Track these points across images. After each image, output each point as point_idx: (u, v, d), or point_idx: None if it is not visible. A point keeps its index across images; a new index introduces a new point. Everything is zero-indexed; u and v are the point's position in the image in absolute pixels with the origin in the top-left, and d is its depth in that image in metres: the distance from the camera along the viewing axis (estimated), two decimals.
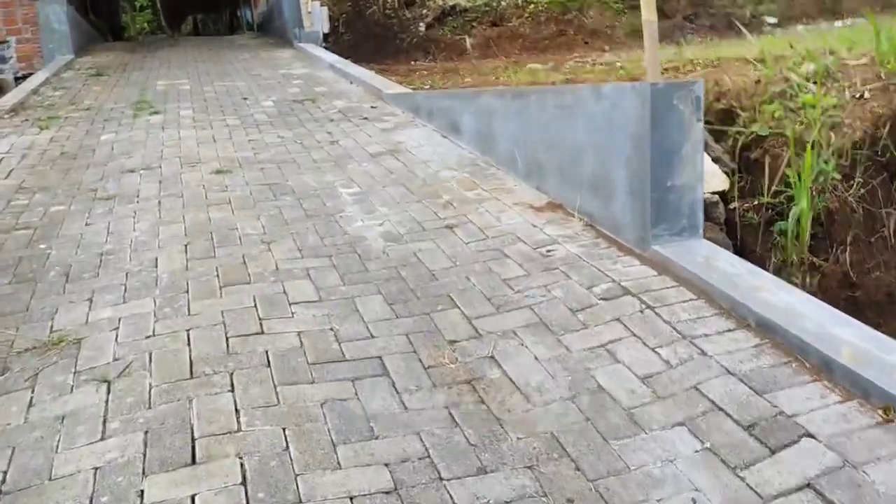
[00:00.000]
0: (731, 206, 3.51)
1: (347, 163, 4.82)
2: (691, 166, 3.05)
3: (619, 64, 7.27)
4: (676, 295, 2.79)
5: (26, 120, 6.55)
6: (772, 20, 12.17)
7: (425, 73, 9.66)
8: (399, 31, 11.40)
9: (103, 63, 10.31)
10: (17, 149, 5.54)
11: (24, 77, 10.14)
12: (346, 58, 10.34)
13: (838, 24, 11.93)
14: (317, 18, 11.11)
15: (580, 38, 11.71)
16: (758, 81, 3.77)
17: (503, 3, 11.81)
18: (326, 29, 11.18)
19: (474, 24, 11.64)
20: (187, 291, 3.03)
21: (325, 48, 10.85)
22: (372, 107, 6.43)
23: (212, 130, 5.84)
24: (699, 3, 12.27)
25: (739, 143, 3.57)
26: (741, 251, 3.41)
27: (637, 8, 12.09)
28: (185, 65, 10.30)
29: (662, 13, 11.81)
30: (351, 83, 7.70)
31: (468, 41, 11.47)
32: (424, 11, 11.55)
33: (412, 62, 11.11)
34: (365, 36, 11.28)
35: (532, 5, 11.84)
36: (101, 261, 3.40)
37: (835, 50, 5.94)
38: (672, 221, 3.07)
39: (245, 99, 7.18)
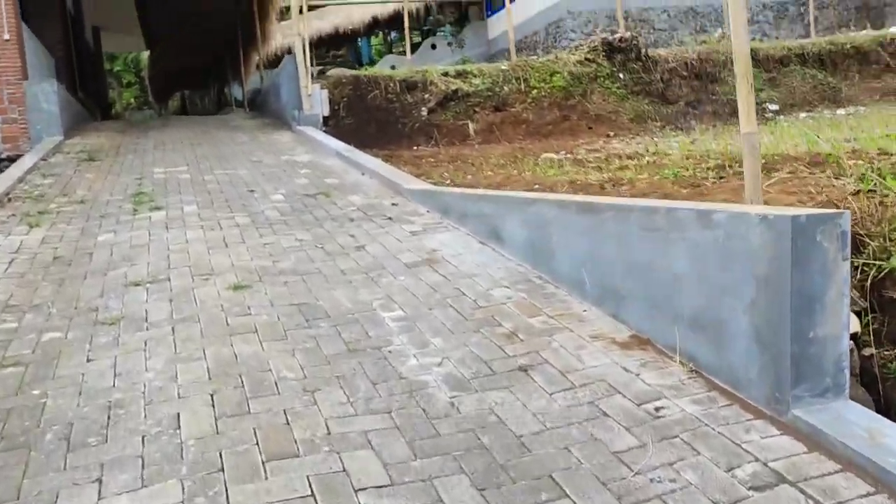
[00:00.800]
0: (866, 352, 2.99)
1: (381, 275, 4.23)
2: (836, 314, 2.50)
3: (646, 158, 6.82)
4: (847, 485, 2.20)
5: (13, 215, 5.92)
6: (773, 107, 11.96)
7: (432, 160, 9.19)
8: (401, 115, 10.99)
9: (94, 145, 9.74)
10: (3, 252, 4.90)
11: (10, 159, 9.53)
12: (348, 142, 9.87)
13: (841, 111, 11.72)
14: (317, 101, 10.68)
15: (584, 123, 11.37)
16: (881, 202, 3.32)
17: (505, 89, 11.48)
18: (327, 112, 10.74)
19: (477, 108, 11.28)
20: (222, 469, 2.38)
21: (326, 132, 10.39)
22: (393, 204, 5.89)
23: (221, 231, 5.24)
24: (701, 90, 12.04)
25: (870, 277, 3.07)
26: (885, 411, 2.86)
27: (639, 93, 11.83)
28: (180, 147, 9.76)
29: (665, 99, 11.58)
30: (363, 174, 7.18)
31: (471, 126, 11.08)
32: (426, 96, 11.17)
33: (415, 147, 10.68)
34: (366, 120, 10.85)
35: (535, 90, 11.52)
36: (109, 416, 2.75)
37: None
38: (814, 380, 2.49)
39: (251, 191, 6.61)
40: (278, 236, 5.13)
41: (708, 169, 5.38)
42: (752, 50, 12.07)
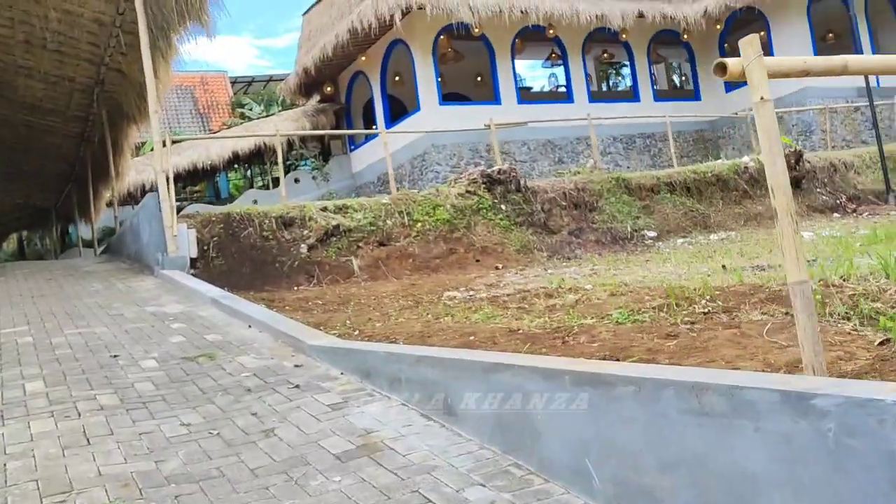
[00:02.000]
0: None
1: (306, 475, 3.16)
2: None
3: (568, 296, 6.14)
4: None
5: None
6: (651, 234, 11.91)
7: (319, 302, 8.19)
8: (278, 254, 9.98)
9: None
10: None
11: None
12: (220, 286, 8.73)
13: (714, 237, 11.80)
14: (183, 242, 9.51)
15: (471, 255, 10.79)
16: None
17: (389, 223, 10.77)
18: (195, 253, 9.57)
19: (360, 244, 10.46)
20: None
21: (195, 275, 9.19)
22: (296, 366, 4.83)
23: (80, 419, 3.98)
24: (581, 219, 11.84)
25: None
26: None
27: (522, 224, 11.42)
28: (18, 300, 8.25)
29: (548, 229, 11.24)
30: (250, 327, 6.07)
31: (355, 262, 10.21)
32: (305, 232, 10.26)
33: (295, 287, 9.65)
34: (240, 260, 9.75)
35: (419, 223, 10.89)
36: None
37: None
38: None
39: (115, 357, 5.34)
40: (158, 420, 3.94)
41: (656, 310, 4.73)
42: (625, 179, 12.07)
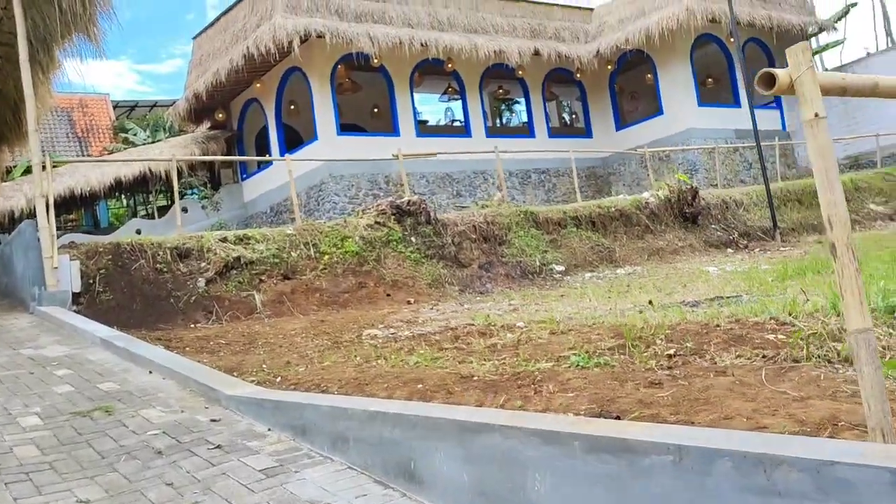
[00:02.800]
0: None
1: None
2: None
3: (507, 335, 5.69)
4: None
5: None
6: (560, 268, 11.72)
7: (222, 342, 7.41)
8: (173, 288, 9.08)
9: None
10: None
11: None
12: (109, 324, 7.82)
13: (620, 271, 11.74)
14: (65, 275, 8.49)
15: (381, 290, 10.22)
16: None
17: (294, 255, 10.07)
18: (78, 287, 8.56)
19: (263, 277, 9.70)
20: None
21: (78, 312, 8.20)
22: (212, 420, 4.12)
23: None
24: (491, 252, 11.51)
25: None
26: None
27: (433, 257, 10.97)
28: None
29: (459, 263, 10.84)
30: (150, 373, 5.28)
31: (257, 297, 9.44)
32: (203, 264, 9.41)
33: (192, 324, 8.78)
34: (130, 295, 8.79)
35: (326, 256, 10.24)
36: None
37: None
38: None
39: None
40: (46, 497, 3.17)
41: (613, 351, 4.35)
42: (533, 213, 11.84)
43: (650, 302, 7.13)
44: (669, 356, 3.97)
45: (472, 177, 21.30)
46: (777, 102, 23.60)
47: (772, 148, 22.29)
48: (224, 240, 9.84)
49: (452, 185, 21.03)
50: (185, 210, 21.21)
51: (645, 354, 4.15)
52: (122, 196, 24.66)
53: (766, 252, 12.97)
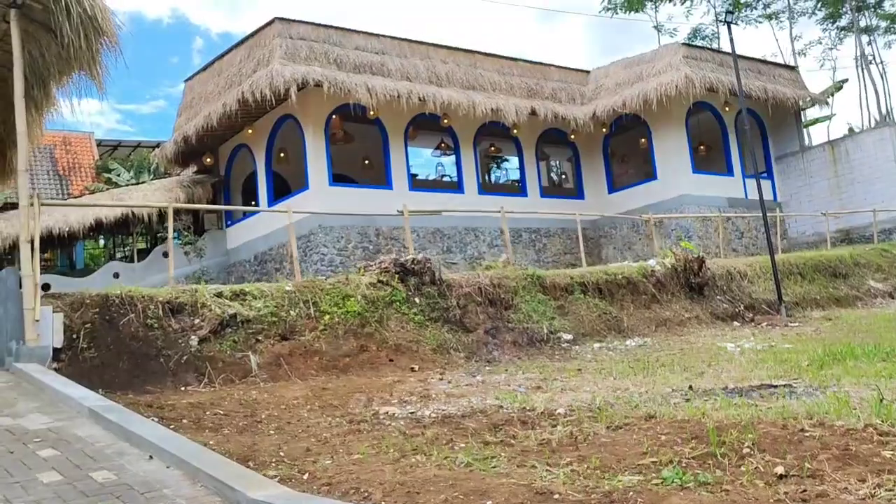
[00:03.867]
0: None
1: None
2: None
3: (552, 425, 5.07)
4: None
5: None
6: (568, 337, 11.16)
7: (220, 412, 6.70)
8: (164, 346, 8.35)
9: None
10: None
11: None
12: (92, 385, 7.10)
13: (630, 342, 11.23)
14: (46, 328, 7.74)
15: (384, 354, 9.57)
16: None
17: (293, 313, 9.40)
18: (59, 343, 7.80)
19: (260, 337, 9.00)
20: None
21: (58, 371, 7.44)
22: None
23: None
24: (497, 317, 10.93)
25: None
26: None
27: (437, 320, 10.36)
28: None
29: (464, 327, 10.25)
30: (151, 458, 4.57)
31: (253, 359, 8.73)
32: (197, 321, 8.70)
33: (183, 387, 8.05)
34: (117, 353, 8.03)
35: (327, 315, 9.58)
36: None
37: None
38: None
39: None
40: None
41: (698, 462, 3.76)
42: (539, 277, 11.30)
43: (690, 387, 6.58)
44: (779, 477, 3.39)
45: (462, 233, 20.83)
46: (769, 173, 23.59)
47: (758, 219, 22.17)
48: (220, 295, 9.15)
49: (443, 240, 20.52)
50: (166, 255, 20.44)
51: (745, 470, 3.56)
52: (101, 237, 23.78)
53: (775, 327, 12.53)
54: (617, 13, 32.35)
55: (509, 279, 11.47)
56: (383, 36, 20.24)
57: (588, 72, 23.70)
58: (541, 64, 22.82)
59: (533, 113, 21.11)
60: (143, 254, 21.46)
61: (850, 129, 28.28)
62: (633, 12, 32.33)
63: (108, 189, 22.53)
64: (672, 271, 13.26)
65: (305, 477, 4.13)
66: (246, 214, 20.97)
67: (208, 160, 21.31)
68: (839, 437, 4.02)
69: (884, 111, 27.32)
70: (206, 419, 6.28)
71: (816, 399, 5.40)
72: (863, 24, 33.27)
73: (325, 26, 19.34)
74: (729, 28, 15.21)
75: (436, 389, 7.71)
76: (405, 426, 5.50)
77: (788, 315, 13.80)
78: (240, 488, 3.77)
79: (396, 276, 10.54)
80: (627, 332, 11.73)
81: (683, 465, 3.71)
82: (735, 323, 13.10)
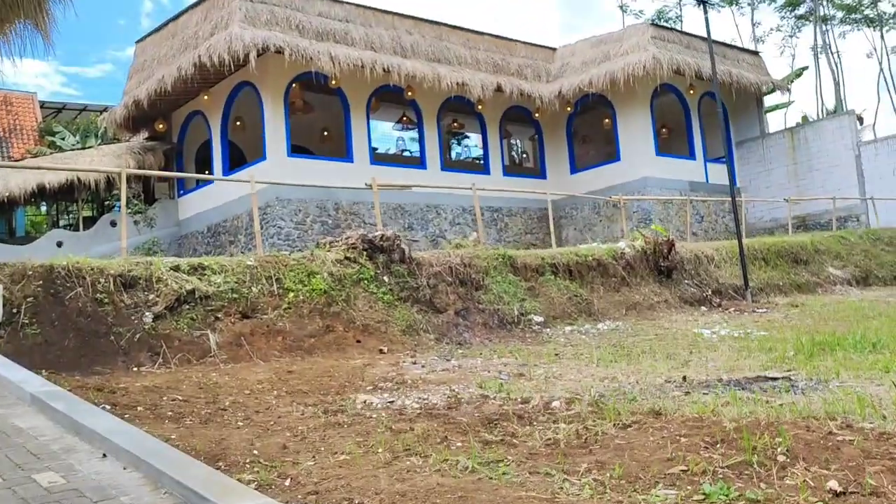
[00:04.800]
0: None
1: None
2: None
3: (551, 419, 4.62)
4: None
5: None
6: (539, 319, 10.78)
7: (179, 397, 6.10)
8: (115, 323, 7.66)
9: None
10: None
11: None
12: (35, 365, 6.44)
13: (601, 326, 10.91)
14: None
15: (351, 335, 9.02)
16: None
17: (254, 290, 8.77)
18: (0, 318, 7.08)
19: (219, 315, 8.37)
20: None
21: None
22: None
23: None
24: (467, 298, 10.47)
25: None
26: None
27: (406, 300, 9.84)
28: None
29: (434, 307, 9.79)
30: (104, 456, 3.98)
31: (212, 338, 8.10)
32: (152, 297, 8.02)
33: (136, 367, 7.40)
34: (62, 330, 7.33)
35: (291, 293, 8.98)
36: None
37: None
38: None
39: None
40: None
41: (734, 471, 3.35)
42: (511, 257, 10.88)
43: (684, 378, 6.22)
44: (836, 494, 2.99)
45: (424, 210, 20.30)
46: (730, 157, 23.51)
47: (722, 203, 22.13)
48: (176, 268, 8.47)
49: (405, 217, 19.95)
50: (114, 224, 19.45)
51: (794, 484, 3.15)
52: (43, 203, 22.57)
53: (743, 313, 12.35)
54: None
55: (480, 259, 11.01)
56: (347, 3, 19.43)
57: (554, 49, 23.24)
58: (507, 39, 22.27)
59: (499, 89, 20.59)
60: (89, 222, 20.37)
61: (804, 118, 28.48)
62: None
63: (52, 153, 21.32)
64: (642, 254, 12.96)
65: (287, 483, 3.60)
66: (199, 184, 20.06)
67: (160, 126, 20.28)
68: (876, 443, 3.65)
69: (838, 100, 27.53)
70: (165, 406, 5.68)
71: (824, 395, 5.07)
72: (821, 13, 33.54)
73: None
74: (704, 8, 14.87)
75: (410, 374, 7.22)
76: (388, 419, 4.99)
77: (754, 300, 13.66)
78: (214, 498, 3.22)
79: (364, 253, 9.98)
80: (598, 316, 11.40)
81: (719, 475, 3.29)
82: (703, 308, 12.89)
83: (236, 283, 8.75)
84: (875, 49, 34.95)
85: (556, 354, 8.37)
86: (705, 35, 23.00)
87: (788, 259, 15.75)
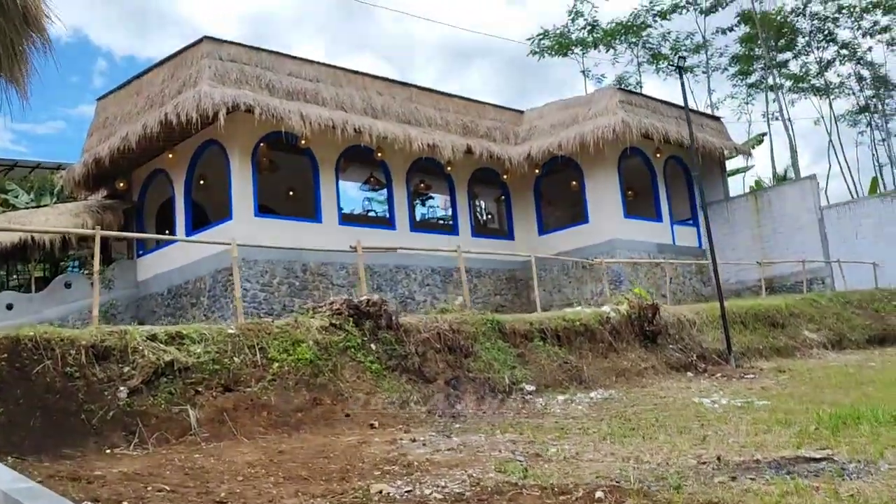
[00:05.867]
0: None
1: None
2: None
3: None
4: None
5: None
6: (530, 388, 10.31)
7: (165, 488, 5.42)
8: (86, 399, 6.94)
9: None
10: None
11: None
12: None
13: (594, 395, 10.49)
14: None
15: (339, 408, 8.41)
16: None
17: (237, 360, 8.14)
18: None
19: (200, 388, 7.70)
20: None
21: None
22: None
23: None
24: (457, 366, 9.96)
25: None
26: None
27: (395, 368, 9.27)
28: None
29: (423, 377, 9.27)
30: None
31: (192, 414, 7.42)
32: (127, 369, 7.33)
33: (109, 450, 6.68)
34: (28, 409, 6.58)
35: (276, 363, 8.36)
36: None
37: None
38: None
39: None
40: None
41: None
42: (500, 322, 10.44)
43: (718, 458, 5.79)
44: None
45: (393, 271, 19.80)
46: (694, 220, 23.71)
47: (689, 265, 22.17)
48: (153, 338, 7.80)
49: (373, 278, 19.38)
50: (68, 285, 18.50)
51: None
52: None
53: (731, 379, 12.07)
54: (544, 57, 32.47)
55: (468, 324, 10.55)
56: (318, 63, 19.23)
57: (522, 112, 23.34)
58: (476, 102, 22.28)
59: (469, 151, 20.47)
60: (41, 283, 19.34)
61: (758, 182, 29.01)
62: (562, 56, 32.53)
63: (4, 211, 20.33)
64: (627, 319, 12.66)
65: None
66: (159, 244, 19.25)
67: (122, 184, 19.55)
68: None
69: (795, 166, 28.20)
70: (152, 499, 5.01)
71: (886, 481, 4.69)
72: (771, 81, 34.66)
73: (257, 49, 18.16)
74: (681, 74, 14.98)
75: (414, 455, 6.64)
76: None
77: (737, 365, 13.42)
78: None
79: (350, 318, 9.43)
80: (589, 383, 10.97)
81: None
82: (689, 373, 12.58)
83: (217, 353, 8.10)
84: (822, 117, 36.10)
85: (562, 429, 7.88)
86: (667, 100, 23.47)
87: (766, 322, 15.64)
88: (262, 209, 18.70)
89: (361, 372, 9.00)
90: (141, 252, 20.14)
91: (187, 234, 18.39)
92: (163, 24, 73.03)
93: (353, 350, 9.16)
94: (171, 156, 18.60)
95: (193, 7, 74.99)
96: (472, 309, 11.63)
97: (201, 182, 19.38)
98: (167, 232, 19.95)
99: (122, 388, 7.17)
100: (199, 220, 19.50)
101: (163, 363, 7.53)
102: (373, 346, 9.39)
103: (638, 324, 12.72)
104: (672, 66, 34.23)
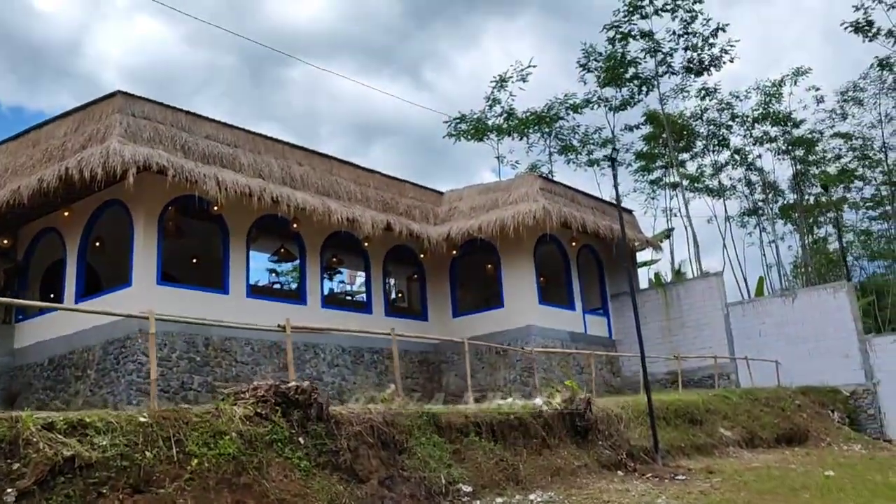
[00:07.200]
0: None
1: None
2: None
3: None
4: None
5: None
6: (467, 489, 9.51)
7: None
8: None
9: None
10: None
11: None
12: None
13: (533, 497, 9.82)
14: None
15: None
16: None
17: (149, 455, 6.98)
18: None
19: (104, 490, 6.49)
20: None
21: None
22: None
23: None
24: (390, 463, 9.06)
25: None
26: None
27: (325, 466, 8.27)
28: None
29: (356, 476, 8.36)
30: None
31: None
32: (17, 466, 6.08)
33: None
34: None
35: (195, 460, 7.24)
36: None
37: None
38: None
39: None
40: None
41: None
42: (434, 415, 9.69)
43: None
44: None
45: (302, 349, 18.65)
46: (605, 310, 23.83)
47: (599, 356, 22.08)
48: (51, 427, 6.58)
49: (280, 356, 18.17)
50: None
51: None
52: None
53: (664, 480, 11.65)
54: (460, 140, 32.74)
55: (403, 416, 9.70)
56: (237, 128, 18.37)
57: (441, 193, 23.10)
58: (397, 179, 21.89)
59: (388, 227, 19.90)
60: None
61: (657, 275, 29.66)
62: (477, 140, 32.88)
63: None
64: (558, 413, 12.12)
65: None
66: (42, 310, 17.41)
67: (6, 242, 17.75)
68: None
69: (698, 261, 29.13)
70: None
71: None
72: (669, 179, 36.19)
73: (173, 108, 17.15)
74: (613, 165, 15.08)
75: None
76: None
77: (664, 464, 13.06)
78: None
79: (278, 408, 8.43)
80: (526, 484, 10.26)
81: None
82: (619, 472, 12.08)
83: (126, 445, 6.93)
84: (715, 216, 37.89)
85: None
86: (582, 192, 23.84)
87: (685, 419, 15.49)
88: (165, 277, 17.34)
89: (290, 470, 7.96)
90: (20, 317, 18.20)
91: (78, 300, 16.77)
92: (57, 77, 70.01)
93: (279, 444, 8.13)
94: (66, 214, 17.10)
95: (92, 62, 72.46)
96: (405, 397, 10.78)
97: (97, 244, 17.88)
98: (52, 297, 18.20)
99: (9, 491, 5.92)
100: (93, 285, 17.88)
101: (61, 459, 6.32)
102: (301, 439, 8.39)
103: (570, 418, 12.19)
104: (579, 158, 35.29)
